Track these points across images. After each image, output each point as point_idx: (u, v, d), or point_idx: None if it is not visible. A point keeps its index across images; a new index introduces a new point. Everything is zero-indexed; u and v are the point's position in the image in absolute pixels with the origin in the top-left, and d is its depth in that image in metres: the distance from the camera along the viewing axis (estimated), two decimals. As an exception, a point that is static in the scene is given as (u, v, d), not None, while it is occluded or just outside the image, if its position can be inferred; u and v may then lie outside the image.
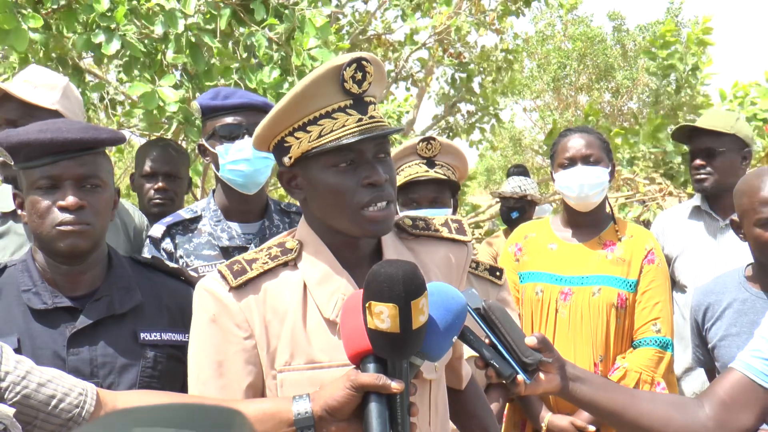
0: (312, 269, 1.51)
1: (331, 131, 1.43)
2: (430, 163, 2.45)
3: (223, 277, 1.49)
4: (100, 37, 3.14)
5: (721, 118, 3.33)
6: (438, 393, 1.60)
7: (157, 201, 3.02)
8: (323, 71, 1.43)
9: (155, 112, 3.24)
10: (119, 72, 3.50)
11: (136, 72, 3.36)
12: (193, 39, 3.27)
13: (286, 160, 1.49)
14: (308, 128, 1.44)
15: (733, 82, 5.21)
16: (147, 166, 3.05)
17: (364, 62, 1.44)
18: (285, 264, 1.52)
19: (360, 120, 1.44)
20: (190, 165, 3.78)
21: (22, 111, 2.36)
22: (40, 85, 2.41)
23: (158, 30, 3.17)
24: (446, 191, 2.48)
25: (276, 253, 1.52)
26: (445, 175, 2.44)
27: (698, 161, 3.06)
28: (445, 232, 1.64)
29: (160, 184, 3.02)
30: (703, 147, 3.06)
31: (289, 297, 1.49)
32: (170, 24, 3.15)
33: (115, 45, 3.13)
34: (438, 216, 1.70)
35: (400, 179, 2.43)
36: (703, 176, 3.06)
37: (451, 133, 7.34)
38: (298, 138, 1.46)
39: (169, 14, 3.14)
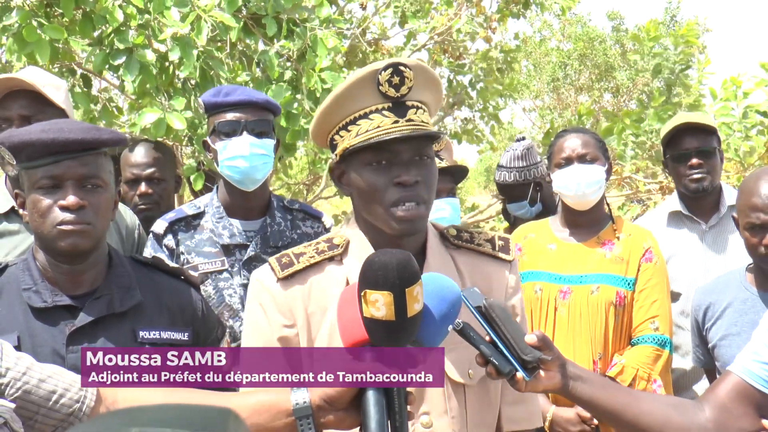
0: (356, 265, 1.55)
1: (366, 131, 1.51)
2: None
3: (272, 268, 1.59)
4: (119, 59, 3.20)
5: (704, 117, 3.31)
6: (478, 404, 1.60)
7: (142, 207, 2.94)
8: (361, 75, 1.52)
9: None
10: (123, 83, 3.51)
11: (148, 86, 3.39)
12: (204, 66, 3.30)
13: (333, 156, 1.59)
14: (349, 128, 1.54)
15: (723, 80, 5.18)
16: (128, 172, 2.99)
17: (401, 67, 1.52)
18: (331, 259, 1.60)
19: (396, 122, 1.52)
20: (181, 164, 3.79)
21: (35, 108, 2.37)
22: (47, 84, 2.43)
23: (173, 56, 3.22)
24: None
25: (323, 248, 1.61)
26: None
27: (695, 160, 2.95)
28: (487, 248, 1.69)
29: (142, 189, 2.95)
30: (698, 145, 2.96)
31: (332, 291, 1.56)
32: (184, 54, 3.18)
33: (134, 72, 3.18)
34: (486, 231, 1.75)
35: None
36: (701, 175, 2.95)
37: (448, 136, 7.33)
38: (342, 136, 1.56)
39: (183, 42, 3.16)
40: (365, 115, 1.53)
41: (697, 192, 2.98)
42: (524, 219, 3.57)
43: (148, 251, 2.48)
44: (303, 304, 1.56)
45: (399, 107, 1.53)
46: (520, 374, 1.45)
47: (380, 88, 1.51)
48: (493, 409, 1.65)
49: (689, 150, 2.97)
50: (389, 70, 1.51)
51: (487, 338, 1.46)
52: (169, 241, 2.48)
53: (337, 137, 1.58)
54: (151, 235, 2.52)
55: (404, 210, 1.51)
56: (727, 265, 2.80)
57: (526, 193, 3.50)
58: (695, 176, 2.97)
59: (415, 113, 1.54)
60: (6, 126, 2.35)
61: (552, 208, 3.61)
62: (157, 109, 3.24)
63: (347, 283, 1.56)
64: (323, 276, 1.59)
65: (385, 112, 1.52)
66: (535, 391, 1.53)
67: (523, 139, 3.60)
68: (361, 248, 1.59)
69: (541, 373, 1.50)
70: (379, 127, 1.51)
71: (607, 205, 2.83)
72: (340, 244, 1.61)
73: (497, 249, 1.70)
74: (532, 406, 1.73)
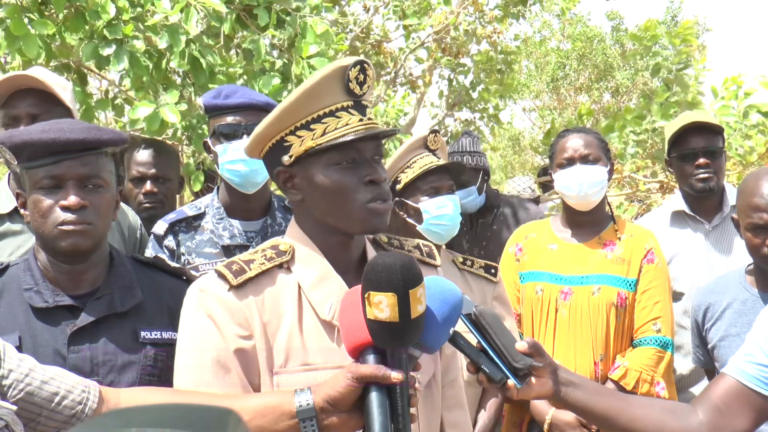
0: (306, 272, 1.53)
1: (335, 129, 1.46)
2: (434, 155, 2.50)
3: (222, 276, 1.49)
4: (107, 50, 3.17)
5: (710, 116, 3.31)
6: (425, 409, 1.59)
7: (146, 205, 2.98)
8: (330, 70, 1.46)
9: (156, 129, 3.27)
10: (123, 78, 3.51)
11: (143, 80, 3.38)
12: (195, 53, 3.29)
13: (285, 159, 1.50)
14: (312, 126, 1.47)
15: (724, 79, 5.18)
16: (134, 170, 3.03)
17: (365, 65, 1.49)
18: (280, 266, 1.53)
19: (361, 120, 1.48)
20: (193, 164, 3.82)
21: (43, 106, 2.38)
22: (55, 84, 2.43)
23: (162, 45, 3.19)
24: None
25: (271, 255, 1.54)
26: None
27: (703, 160, 2.94)
28: (417, 254, 1.68)
29: (148, 187, 2.99)
30: (706, 145, 2.95)
31: (285, 299, 1.51)
32: (172, 40, 3.16)
33: (122, 61, 3.15)
34: (410, 239, 1.74)
35: (416, 168, 2.46)
36: (708, 175, 2.94)
37: (448, 137, 7.34)
38: (300, 136, 1.48)
39: (172, 29, 3.15)
40: (332, 113, 1.47)
41: (704, 192, 2.97)
42: (467, 212, 3.58)
43: (149, 252, 2.49)
44: (258, 313, 1.48)
45: (360, 106, 1.50)
46: (511, 381, 1.46)
47: (349, 85, 1.47)
48: (437, 413, 1.65)
49: (696, 149, 2.96)
50: (357, 67, 1.47)
51: (478, 346, 1.47)
52: (170, 242, 2.48)
53: (292, 137, 1.49)
54: (152, 236, 2.53)
55: (379, 205, 1.48)
56: (730, 264, 2.80)
57: (475, 179, 3.56)
58: (702, 176, 2.95)
59: (371, 112, 1.53)
60: (14, 124, 2.36)
61: (495, 202, 3.70)
62: (150, 102, 3.24)
63: (299, 290, 1.52)
64: (275, 284, 1.52)
65: (351, 110, 1.48)
66: (527, 398, 1.54)
67: (470, 132, 3.73)
68: (309, 254, 1.54)
69: (533, 379, 1.50)
70: (348, 125, 1.47)
71: (608, 205, 2.83)
72: (286, 251, 1.54)
73: (425, 255, 1.69)
74: (467, 412, 1.75)
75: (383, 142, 1.59)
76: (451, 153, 3.57)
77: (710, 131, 2.98)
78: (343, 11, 5.76)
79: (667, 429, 1.62)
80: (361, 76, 1.48)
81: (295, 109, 1.48)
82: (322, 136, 1.47)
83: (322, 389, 1.33)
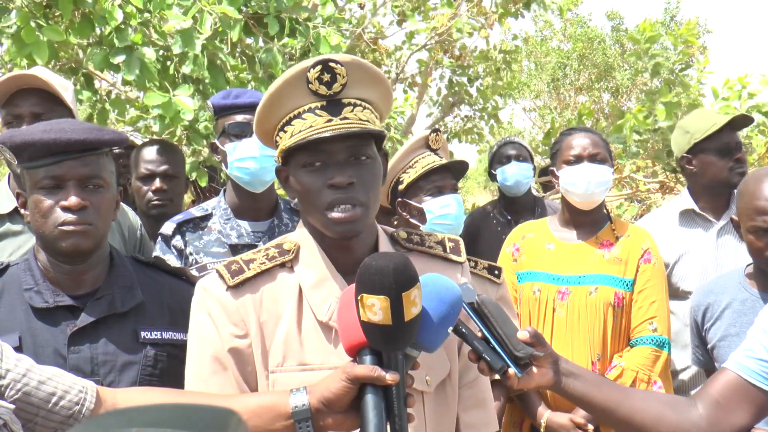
0: (307, 272, 1.52)
1: (300, 131, 1.46)
2: (436, 155, 2.51)
3: (221, 276, 1.51)
4: (119, 58, 3.17)
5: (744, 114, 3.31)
6: (436, 410, 1.57)
7: (156, 202, 3.00)
8: (290, 74, 1.46)
9: (169, 119, 3.26)
10: (132, 80, 3.51)
11: (148, 84, 3.39)
12: (210, 57, 3.29)
13: (276, 158, 1.54)
14: (285, 128, 1.49)
15: (725, 79, 5.19)
16: (143, 168, 3.03)
17: (332, 63, 1.45)
18: (282, 265, 1.54)
19: (329, 121, 1.45)
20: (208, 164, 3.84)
21: (46, 106, 2.40)
22: (56, 84, 2.45)
23: (176, 50, 3.19)
24: None
25: (274, 254, 1.55)
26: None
27: (740, 155, 2.92)
28: (439, 250, 1.64)
29: (157, 185, 3.00)
30: (738, 141, 2.93)
31: (284, 299, 1.51)
32: (187, 45, 3.16)
33: (134, 69, 3.15)
34: (435, 233, 1.71)
35: (418, 168, 2.47)
36: (744, 170, 2.91)
37: (448, 134, 7.33)
38: (281, 137, 1.51)
39: (186, 35, 3.15)
40: (298, 115, 1.47)
41: (737, 186, 2.92)
42: (519, 191, 3.80)
43: (157, 253, 2.49)
44: (255, 313, 1.49)
45: (334, 105, 1.46)
46: (512, 370, 1.45)
47: (310, 86, 1.45)
48: (451, 415, 1.61)
49: (731, 144, 2.93)
50: (318, 68, 1.44)
51: (479, 334, 1.47)
52: (177, 241, 2.49)
53: (278, 138, 1.52)
54: (159, 237, 2.54)
55: (339, 212, 1.45)
56: (738, 263, 2.79)
57: (531, 160, 3.88)
58: (740, 170, 2.92)
59: (352, 111, 1.47)
60: (16, 123, 2.37)
61: (534, 201, 3.96)
62: (162, 93, 3.23)
63: (300, 291, 1.51)
64: (275, 283, 1.52)
65: (318, 111, 1.46)
66: (527, 387, 1.53)
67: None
68: (311, 254, 1.53)
69: (534, 369, 1.50)
70: (311, 126, 1.45)
71: (605, 206, 2.83)
72: (290, 250, 1.54)
73: (448, 251, 1.65)
74: (488, 412, 1.69)
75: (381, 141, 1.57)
76: (504, 144, 3.89)
77: (734, 127, 2.97)
78: (341, 11, 5.76)
79: (665, 421, 1.61)
80: (326, 76, 1.44)
81: (265, 113, 1.50)
82: (290, 138, 1.47)
83: (317, 390, 1.33)
